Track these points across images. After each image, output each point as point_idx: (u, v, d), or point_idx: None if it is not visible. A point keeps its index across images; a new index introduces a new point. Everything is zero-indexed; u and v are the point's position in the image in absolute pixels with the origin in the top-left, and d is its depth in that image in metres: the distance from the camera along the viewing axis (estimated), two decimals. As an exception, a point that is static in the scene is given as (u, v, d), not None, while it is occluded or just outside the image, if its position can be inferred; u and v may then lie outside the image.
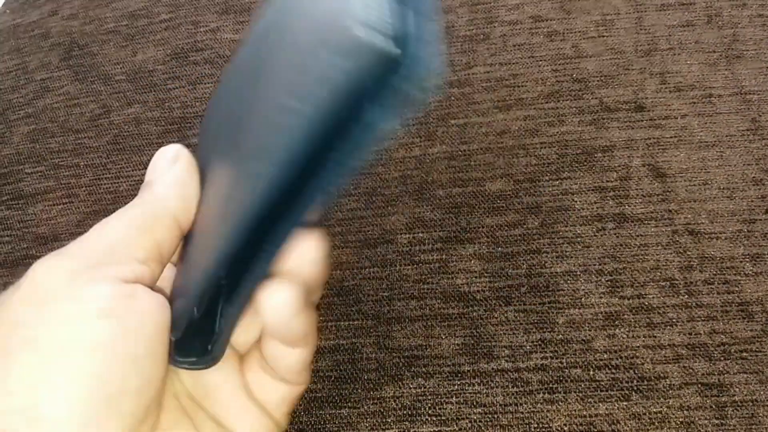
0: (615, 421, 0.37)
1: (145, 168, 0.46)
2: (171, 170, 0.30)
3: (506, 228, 0.42)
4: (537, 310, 0.39)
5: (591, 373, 0.38)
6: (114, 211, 0.45)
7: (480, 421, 0.38)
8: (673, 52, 0.46)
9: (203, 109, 0.48)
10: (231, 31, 0.51)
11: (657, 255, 0.40)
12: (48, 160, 0.49)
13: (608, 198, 0.42)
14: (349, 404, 0.39)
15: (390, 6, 0.19)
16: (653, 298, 0.39)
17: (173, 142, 0.47)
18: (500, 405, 0.38)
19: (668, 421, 0.37)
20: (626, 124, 0.44)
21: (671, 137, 0.43)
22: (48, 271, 0.26)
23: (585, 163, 0.43)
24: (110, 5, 0.54)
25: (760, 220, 0.41)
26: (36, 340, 0.25)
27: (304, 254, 0.27)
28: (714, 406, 0.37)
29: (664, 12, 0.47)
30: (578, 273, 0.40)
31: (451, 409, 0.38)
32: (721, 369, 0.38)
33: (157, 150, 0.47)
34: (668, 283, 0.40)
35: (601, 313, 0.39)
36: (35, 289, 0.26)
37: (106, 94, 0.50)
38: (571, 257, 0.41)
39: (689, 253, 0.40)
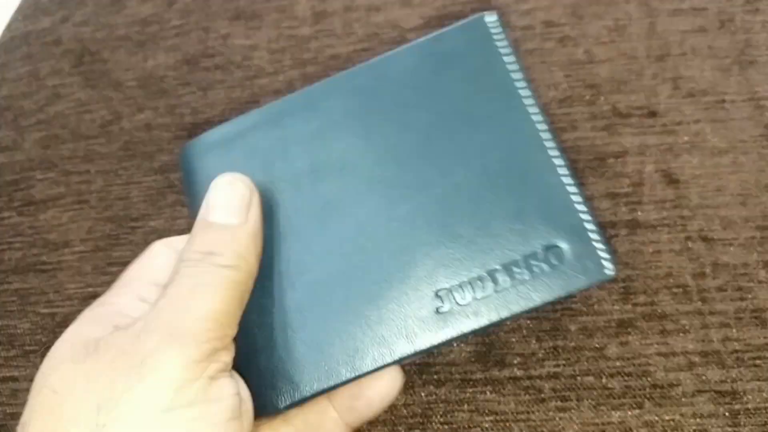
0: (628, 429, 0.37)
1: (157, 174, 0.47)
2: (248, 224, 0.31)
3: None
4: (549, 318, 0.39)
5: (603, 380, 0.38)
6: (124, 218, 0.45)
7: (492, 429, 0.37)
8: (685, 58, 0.46)
9: (214, 115, 0.48)
10: (242, 37, 0.51)
11: (670, 261, 0.40)
12: (59, 166, 0.49)
13: (621, 204, 0.42)
14: (360, 411, 0.39)
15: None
16: (666, 305, 0.39)
17: (184, 148, 0.47)
18: (512, 413, 0.38)
19: (681, 429, 0.36)
20: (639, 130, 0.43)
21: (684, 143, 0.43)
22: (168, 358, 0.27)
23: (597, 169, 0.43)
24: (121, 12, 0.54)
25: (774, 226, 0.40)
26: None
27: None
28: (727, 414, 0.36)
29: (677, 17, 0.47)
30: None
31: (462, 416, 0.38)
32: (734, 376, 0.37)
33: (167, 156, 0.47)
34: (681, 289, 0.39)
35: (614, 320, 0.39)
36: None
37: (117, 100, 0.50)
38: (583, 264, 0.40)
39: (702, 259, 0.40)
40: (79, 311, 0.43)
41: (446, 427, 0.38)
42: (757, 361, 0.37)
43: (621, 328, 0.39)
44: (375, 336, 0.30)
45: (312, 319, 0.31)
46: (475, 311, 0.30)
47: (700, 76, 0.45)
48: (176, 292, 0.29)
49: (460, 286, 0.30)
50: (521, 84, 0.32)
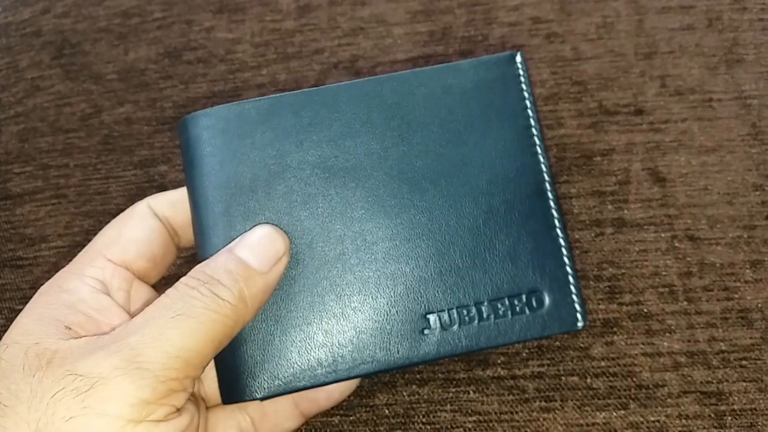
0: (612, 430, 0.36)
1: (136, 169, 0.46)
2: (267, 275, 0.30)
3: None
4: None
5: (588, 380, 0.37)
6: (103, 213, 0.44)
7: (475, 430, 0.37)
8: (673, 56, 0.45)
9: (196, 108, 0.47)
10: (225, 30, 0.50)
11: (656, 261, 0.40)
12: (37, 159, 0.48)
13: (607, 202, 0.41)
14: (341, 411, 0.38)
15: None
16: (652, 304, 0.39)
17: (164, 142, 0.46)
18: (496, 413, 0.37)
19: (667, 430, 0.36)
20: (626, 128, 0.43)
21: (671, 141, 0.42)
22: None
23: (584, 167, 0.42)
24: (103, 3, 0.53)
25: (761, 226, 0.40)
26: None
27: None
28: (713, 415, 0.36)
29: (665, 15, 0.47)
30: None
31: (445, 416, 0.37)
32: (720, 377, 0.37)
33: (147, 150, 0.46)
34: (667, 289, 0.39)
35: (599, 319, 0.39)
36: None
37: (97, 93, 0.49)
38: (569, 262, 0.40)
39: (689, 259, 0.40)
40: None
41: (429, 427, 0.37)
42: (744, 362, 0.37)
43: (606, 328, 0.38)
44: (359, 346, 0.31)
45: (302, 318, 0.31)
46: (456, 337, 0.32)
47: (687, 74, 0.45)
48: (158, 314, 0.27)
49: (448, 311, 0.32)
50: (537, 131, 0.34)
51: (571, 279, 0.32)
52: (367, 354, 0.31)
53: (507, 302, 0.32)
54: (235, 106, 0.33)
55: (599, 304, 0.39)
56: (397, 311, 0.32)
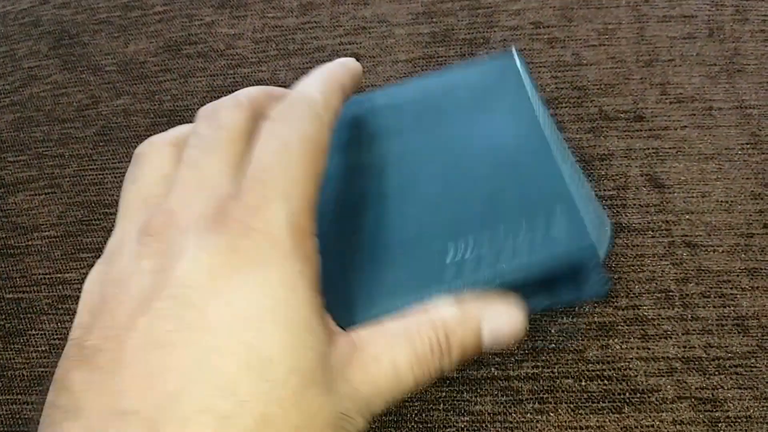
0: (606, 434, 0.36)
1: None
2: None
3: (500, 233, 0.41)
4: (529, 318, 0.38)
5: (583, 383, 0.37)
6: (97, 203, 0.44)
7: (468, 429, 0.36)
8: (674, 64, 0.45)
9: (194, 102, 0.47)
10: (226, 25, 0.50)
11: (653, 266, 0.40)
12: (32, 149, 0.47)
13: (605, 207, 0.41)
14: (333, 408, 0.38)
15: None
16: (648, 309, 0.38)
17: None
18: (489, 413, 0.37)
19: (660, 436, 0.36)
20: (625, 134, 0.43)
21: (670, 148, 0.42)
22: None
23: (583, 171, 0.42)
24: (104, -5, 0.53)
25: (758, 234, 0.40)
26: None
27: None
28: (707, 421, 0.36)
29: (666, 24, 0.47)
30: (572, 281, 0.39)
31: (438, 416, 0.37)
32: (715, 383, 0.37)
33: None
34: (664, 294, 0.39)
35: (595, 322, 0.38)
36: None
37: (95, 84, 0.49)
38: (566, 265, 0.40)
39: (686, 265, 0.39)
40: (46, 297, 0.42)
41: (421, 426, 0.37)
42: (739, 369, 0.37)
43: (602, 331, 0.38)
44: (397, 279, 0.32)
45: (365, 259, 0.33)
46: (479, 266, 0.32)
47: (687, 82, 0.45)
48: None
49: (471, 239, 0.32)
50: (537, 106, 0.37)
51: (576, 201, 0.33)
52: (403, 285, 0.32)
53: (524, 224, 0.32)
54: None
55: (595, 306, 0.39)
56: (428, 241, 0.33)
